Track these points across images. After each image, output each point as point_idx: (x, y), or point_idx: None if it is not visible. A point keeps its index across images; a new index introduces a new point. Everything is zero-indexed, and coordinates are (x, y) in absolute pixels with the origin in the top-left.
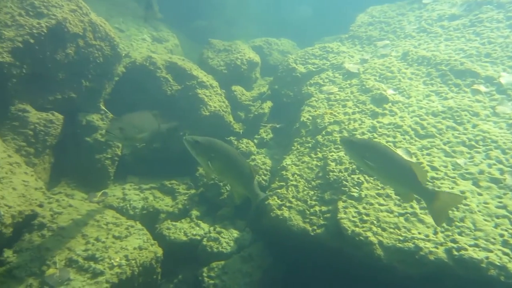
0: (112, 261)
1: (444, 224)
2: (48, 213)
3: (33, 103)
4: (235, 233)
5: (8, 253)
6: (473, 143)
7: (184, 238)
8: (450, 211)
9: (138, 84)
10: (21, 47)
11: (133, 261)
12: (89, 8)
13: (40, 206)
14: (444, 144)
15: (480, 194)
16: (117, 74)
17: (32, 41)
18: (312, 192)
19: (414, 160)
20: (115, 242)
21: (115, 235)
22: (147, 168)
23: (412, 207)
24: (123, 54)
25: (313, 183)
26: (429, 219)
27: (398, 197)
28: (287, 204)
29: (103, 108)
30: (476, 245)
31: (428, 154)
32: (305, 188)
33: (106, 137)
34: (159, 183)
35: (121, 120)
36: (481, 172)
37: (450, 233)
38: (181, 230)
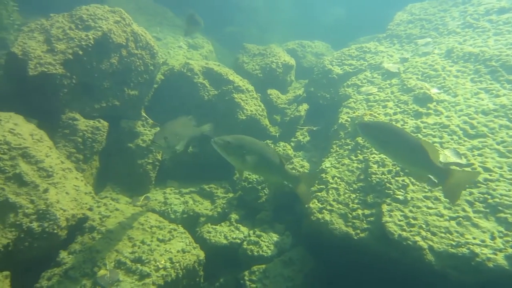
0: (158, 263)
1: (502, 229)
2: (97, 216)
3: (81, 111)
4: (274, 237)
5: (63, 254)
6: None
7: (225, 242)
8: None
9: (176, 90)
10: (71, 58)
11: (177, 264)
12: (131, 19)
13: (90, 209)
14: (498, 144)
15: None
16: (156, 81)
17: (81, 52)
18: (354, 195)
19: (464, 161)
20: (159, 245)
21: (159, 238)
22: (186, 172)
23: (464, 210)
24: (161, 62)
25: (354, 185)
26: (484, 223)
27: (448, 200)
28: (328, 207)
29: (144, 114)
30: None
31: (480, 155)
32: (346, 191)
33: (152, 147)
34: (198, 187)
35: (164, 129)
36: None
37: (510, 239)
38: (221, 234)
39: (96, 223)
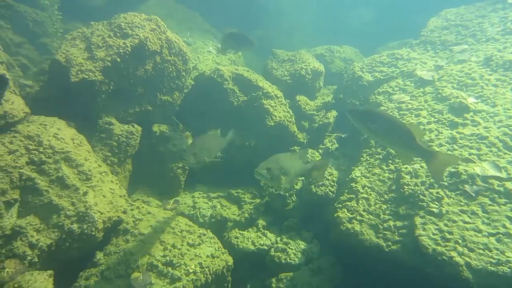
0: (188, 267)
1: None
2: (131, 219)
3: (117, 116)
4: (302, 245)
5: (99, 255)
6: None
7: (252, 248)
8: None
9: (206, 96)
10: (110, 66)
11: (206, 269)
12: (166, 26)
13: (124, 212)
14: None
15: None
16: (186, 86)
17: (118, 60)
18: (385, 206)
19: (504, 174)
20: (189, 249)
21: (189, 242)
22: (214, 177)
23: (504, 226)
24: (191, 67)
25: (385, 196)
26: None
27: (487, 215)
28: (358, 218)
29: (174, 119)
30: None
31: None
32: (377, 201)
33: (181, 163)
34: (225, 192)
35: (193, 145)
36: None
37: None
38: (249, 240)
39: (130, 226)
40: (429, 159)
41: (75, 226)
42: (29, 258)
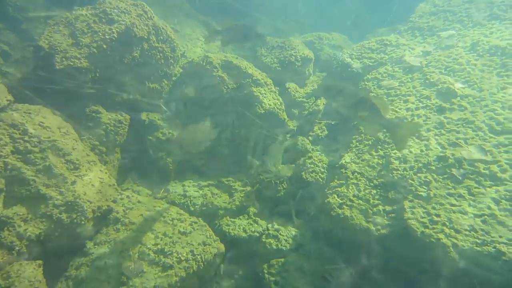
0: (180, 255)
1: None
2: (121, 208)
3: (104, 105)
4: (293, 231)
5: (90, 245)
6: None
7: (244, 235)
8: None
9: (195, 83)
10: (96, 52)
11: (198, 256)
12: (152, 12)
13: (114, 201)
14: None
15: None
16: (175, 73)
17: (105, 46)
18: (374, 191)
19: (489, 157)
20: (180, 238)
21: (180, 230)
22: (204, 165)
23: (489, 208)
24: (180, 54)
25: (375, 181)
26: (511, 222)
27: (473, 197)
28: (348, 203)
29: (163, 107)
30: None
31: (507, 152)
32: (367, 186)
33: (169, 155)
34: (216, 180)
35: (180, 137)
36: None
37: None
38: (240, 227)
39: (120, 215)
40: (394, 129)
41: (64, 216)
42: (17, 248)
